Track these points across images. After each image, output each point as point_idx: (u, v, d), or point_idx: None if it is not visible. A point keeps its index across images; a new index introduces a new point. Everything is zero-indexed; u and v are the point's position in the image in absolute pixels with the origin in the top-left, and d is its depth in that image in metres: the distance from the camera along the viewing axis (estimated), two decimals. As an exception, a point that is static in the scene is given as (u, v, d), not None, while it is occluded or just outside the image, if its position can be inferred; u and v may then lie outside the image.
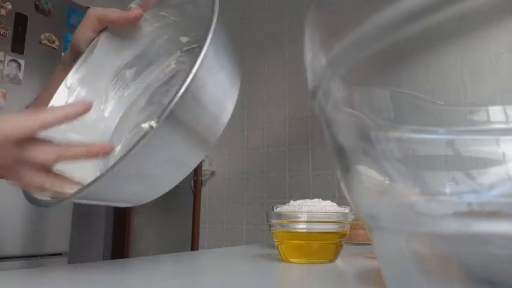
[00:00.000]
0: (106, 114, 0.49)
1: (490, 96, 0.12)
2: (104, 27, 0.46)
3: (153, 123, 0.31)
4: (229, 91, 0.40)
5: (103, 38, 0.46)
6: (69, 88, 0.46)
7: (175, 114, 0.32)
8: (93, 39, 0.46)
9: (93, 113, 0.44)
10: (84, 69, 0.47)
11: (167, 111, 0.31)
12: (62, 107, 0.38)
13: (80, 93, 0.46)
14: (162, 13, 0.46)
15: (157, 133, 0.31)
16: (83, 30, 0.45)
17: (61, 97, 0.46)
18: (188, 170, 0.38)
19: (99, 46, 0.46)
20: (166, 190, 0.39)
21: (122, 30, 0.47)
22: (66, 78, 0.46)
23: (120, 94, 0.49)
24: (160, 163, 0.35)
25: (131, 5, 0.46)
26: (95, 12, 0.45)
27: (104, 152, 0.38)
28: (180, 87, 0.31)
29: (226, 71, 0.39)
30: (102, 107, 0.48)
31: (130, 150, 0.31)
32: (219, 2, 0.36)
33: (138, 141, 0.31)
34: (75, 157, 0.37)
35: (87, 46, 0.46)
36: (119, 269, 0.45)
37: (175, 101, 0.31)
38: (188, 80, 0.31)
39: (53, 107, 0.43)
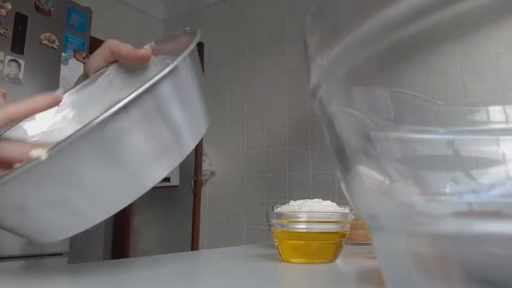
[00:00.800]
0: None
1: (490, 96, 0.12)
2: (115, 59, 0.46)
3: (44, 155, 0.26)
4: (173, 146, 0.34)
5: (111, 70, 0.47)
6: (59, 106, 0.45)
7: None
8: (103, 68, 0.46)
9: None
10: (81, 93, 0.46)
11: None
12: (29, 99, 0.37)
13: (68, 114, 0.46)
14: (169, 62, 0.46)
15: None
16: (95, 58, 0.46)
17: (48, 112, 0.45)
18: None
19: (104, 76, 0.46)
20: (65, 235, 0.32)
21: (131, 68, 0.46)
22: None
23: None
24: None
25: (146, 46, 0.46)
26: (110, 43, 0.45)
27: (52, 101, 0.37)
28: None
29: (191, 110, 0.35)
30: None
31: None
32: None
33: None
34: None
35: (94, 73, 0.46)
36: (119, 269, 0.45)
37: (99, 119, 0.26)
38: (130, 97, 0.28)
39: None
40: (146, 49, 0.45)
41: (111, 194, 0.31)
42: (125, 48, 0.44)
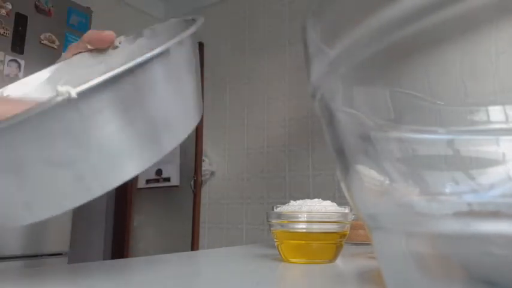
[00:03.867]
0: None
1: (490, 96, 0.12)
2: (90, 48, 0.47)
3: (73, 92, 0.23)
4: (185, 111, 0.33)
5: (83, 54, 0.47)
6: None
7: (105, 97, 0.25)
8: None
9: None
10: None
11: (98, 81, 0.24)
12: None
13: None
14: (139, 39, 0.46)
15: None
16: (74, 46, 0.47)
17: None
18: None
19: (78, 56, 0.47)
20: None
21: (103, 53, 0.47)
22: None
23: None
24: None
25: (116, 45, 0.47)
26: (87, 33, 0.47)
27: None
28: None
29: (190, 87, 0.33)
30: None
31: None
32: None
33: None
34: None
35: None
36: (118, 269, 0.45)
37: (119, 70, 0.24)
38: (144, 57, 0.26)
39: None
40: (110, 32, 0.46)
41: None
42: (92, 33, 0.46)
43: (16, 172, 0.24)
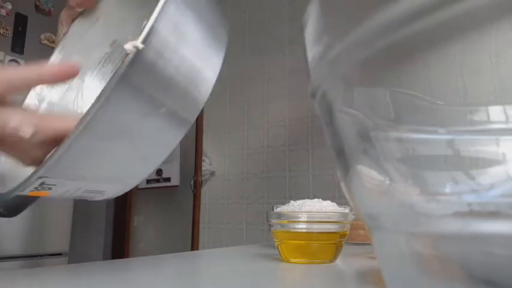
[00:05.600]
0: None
1: (490, 96, 0.12)
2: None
3: (139, 44, 0.25)
4: (209, 51, 0.35)
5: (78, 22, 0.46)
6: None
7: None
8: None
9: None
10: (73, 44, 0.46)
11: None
12: (34, 67, 0.32)
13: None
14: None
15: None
16: (64, 16, 0.45)
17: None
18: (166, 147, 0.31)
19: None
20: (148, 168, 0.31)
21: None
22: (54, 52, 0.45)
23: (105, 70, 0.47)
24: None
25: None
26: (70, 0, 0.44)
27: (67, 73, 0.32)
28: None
29: (205, 24, 0.33)
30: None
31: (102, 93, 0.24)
32: None
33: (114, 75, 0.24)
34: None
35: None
36: (119, 269, 0.45)
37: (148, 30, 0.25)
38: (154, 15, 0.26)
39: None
40: None
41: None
42: None
43: (125, 135, 0.28)
